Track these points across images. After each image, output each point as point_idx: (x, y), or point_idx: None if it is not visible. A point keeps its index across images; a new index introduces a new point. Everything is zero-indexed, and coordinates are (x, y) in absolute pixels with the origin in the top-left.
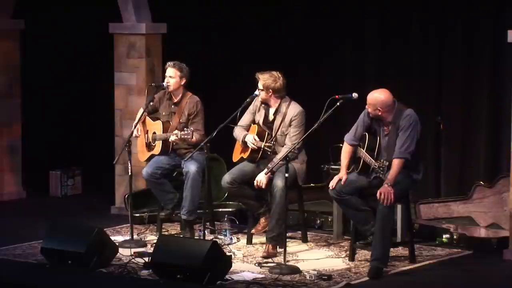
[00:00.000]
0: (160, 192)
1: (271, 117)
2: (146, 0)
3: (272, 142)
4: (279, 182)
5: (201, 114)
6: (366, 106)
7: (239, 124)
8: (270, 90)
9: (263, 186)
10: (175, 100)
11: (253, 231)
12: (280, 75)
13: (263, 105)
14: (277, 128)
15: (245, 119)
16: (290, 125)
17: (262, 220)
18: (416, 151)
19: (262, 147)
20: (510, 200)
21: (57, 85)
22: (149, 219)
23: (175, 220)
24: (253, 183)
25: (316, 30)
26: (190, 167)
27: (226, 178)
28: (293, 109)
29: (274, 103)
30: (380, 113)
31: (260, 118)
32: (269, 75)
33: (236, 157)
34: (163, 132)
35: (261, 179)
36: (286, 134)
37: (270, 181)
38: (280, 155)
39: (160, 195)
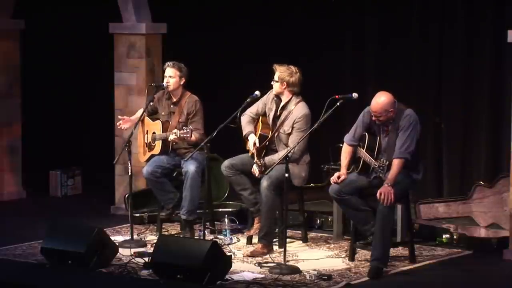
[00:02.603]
0: (160, 191)
1: (278, 112)
2: (146, 0)
3: (262, 162)
4: (264, 182)
5: (200, 114)
6: (373, 118)
7: (249, 110)
8: (285, 83)
9: (256, 175)
10: (174, 100)
11: (246, 233)
12: (297, 71)
13: (275, 99)
14: (281, 124)
15: (256, 107)
16: (293, 127)
17: (256, 221)
18: (416, 151)
19: (255, 161)
20: (510, 200)
21: (57, 85)
22: (149, 219)
23: (175, 220)
24: (252, 174)
25: (316, 30)
26: (189, 167)
27: (226, 162)
28: (299, 110)
29: (286, 98)
30: (392, 114)
31: (271, 112)
32: (286, 68)
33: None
34: (162, 132)
35: (254, 169)
36: (288, 134)
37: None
38: (277, 156)
39: (160, 195)
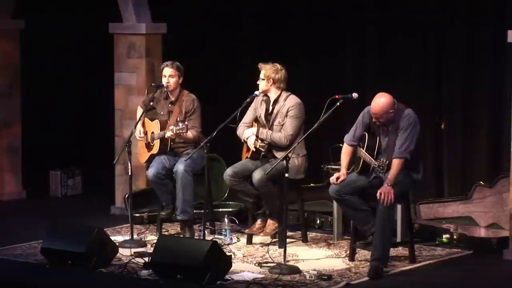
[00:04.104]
0: (163, 192)
1: (270, 108)
2: (146, 0)
3: (265, 142)
4: (255, 175)
5: (198, 112)
6: (374, 119)
7: (242, 122)
8: (271, 80)
9: (250, 145)
10: (172, 99)
11: (247, 230)
12: (282, 67)
13: (264, 99)
14: (275, 117)
15: (248, 116)
16: (286, 115)
17: (259, 221)
18: (416, 151)
19: (258, 147)
20: (510, 200)
21: (57, 85)
22: (149, 219)
23: (175, 220)
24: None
25: (316, 30)
26: (178, 166)
27: (228, 171)
28: (292, 100)
29: (274, 94)
30: (392, 115)
31: (262, 111)
32: (271, 66)
33: (244, 158)
34: (161, 131)
35: (251, 139)
36: (282, 125)
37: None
38: (275, 135)
39: (163, 196)
